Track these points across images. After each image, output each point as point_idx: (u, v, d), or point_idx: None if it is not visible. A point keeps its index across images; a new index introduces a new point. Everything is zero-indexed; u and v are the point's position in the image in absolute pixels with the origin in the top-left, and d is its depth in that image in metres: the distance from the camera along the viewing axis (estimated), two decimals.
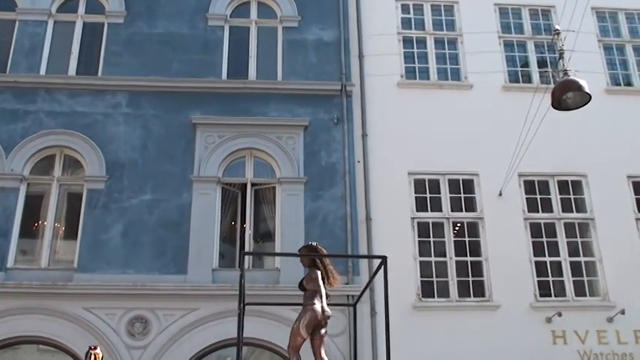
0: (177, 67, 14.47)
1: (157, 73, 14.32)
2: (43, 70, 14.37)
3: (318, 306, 7.17)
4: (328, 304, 7.38)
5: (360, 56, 14.82)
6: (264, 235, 13.70)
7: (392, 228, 13.20)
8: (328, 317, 7.26)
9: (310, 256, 7.50)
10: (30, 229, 13.27)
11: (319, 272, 7.34)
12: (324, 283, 7.38)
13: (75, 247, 12.98)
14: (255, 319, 11.20)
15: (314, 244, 7.67)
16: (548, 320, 12.77)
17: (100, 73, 14.41)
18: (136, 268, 12.70)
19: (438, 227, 13.52)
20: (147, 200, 13.27)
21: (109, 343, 12.08)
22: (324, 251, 7.63)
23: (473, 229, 13.57)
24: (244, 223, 13.47)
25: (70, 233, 13.27)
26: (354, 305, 9.06)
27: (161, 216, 13.17)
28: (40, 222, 13.32)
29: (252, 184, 13.73)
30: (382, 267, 7.18)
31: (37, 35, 14.59)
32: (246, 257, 13.31)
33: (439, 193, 13.76)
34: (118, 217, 13.11)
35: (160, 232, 13.02)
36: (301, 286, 7.42)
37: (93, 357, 8.68)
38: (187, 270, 12.70)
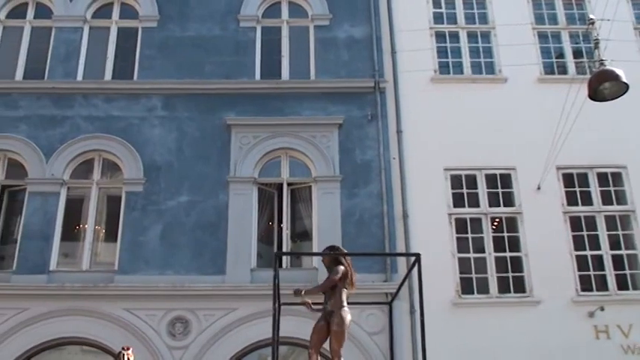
0: (211, 69, 14.57)
1: (190, 76, 14.45)
2: (79, 76, 14.59)
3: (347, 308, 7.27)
4: (364, 303, 7.45)
5: (393, 52, 14.76)
6: (301, 234, 13.71)
7: (429, 225, 13.12)
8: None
9: (340, 254, 7.47)
10: (71, 232, 13.48)
11: (343, 267, 7.33)
12: (351, 283, 7.41)
13: (115, 249, 13.16)
14: (294, 319, 11.19)
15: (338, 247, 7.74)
16: (591, 315, 12.57)
17: (135, 77, 14.59)
18: (175, 269, 12.82)
19: (476, 223, 13.39)
20: (184, 202, 13.38)
21: (151, 344, 12.22)
22: (343, 250, 7.69)
23: (512, 224, 13.41)
24: (281, 222, 13.52)
25: (110, 235, 13.46)
26: (390, 303, 8.98)
27: (198, 217, 13.27)
28: (80, 225, 13.52)
29: (288, 184, 13.77)
30: (416, 265, 7.15)
31: (73, 41, 14.81)
32: (282, 257, 13.42)
33: (476, 188, 13.65)
34: (156, 218, 13.24)
35: (198, 233, 13.12)
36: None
37: (125, 357, 8.76)
38: (226, 270, 12.78)
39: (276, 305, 7.06)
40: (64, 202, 13.51)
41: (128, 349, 8.90)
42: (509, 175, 13.75)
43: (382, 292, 12.52)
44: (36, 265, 12.79)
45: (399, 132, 13.98)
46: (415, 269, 7.23)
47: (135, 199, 13.37)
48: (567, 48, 15.15)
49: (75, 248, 13.39)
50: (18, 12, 15.31)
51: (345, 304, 7.26)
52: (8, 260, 13.19)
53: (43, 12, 15.24)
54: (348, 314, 7.21)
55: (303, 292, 7.20)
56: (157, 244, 13.01)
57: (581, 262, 13.09)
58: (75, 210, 13.63)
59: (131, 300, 12.49)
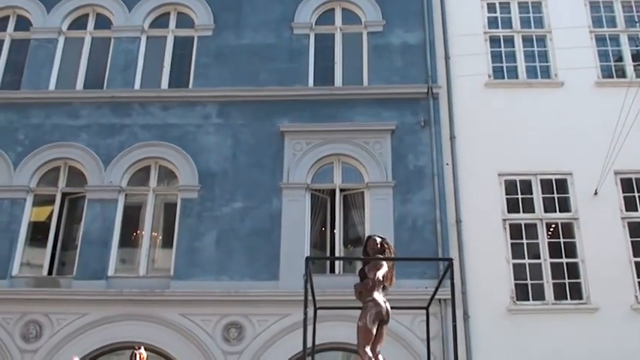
0: (265, 76, 14.72)
1: (245, 83, 14.63)
2: (137, 85, 14.92)
3: (381, 301, 7.01)
4: (401, 307, 7.30)
5: (446, 57, 14.68)
6: (354, 240, 13.73)
7: (483, 230, 13.01)
8: (389, 314, 7.07)
9: (378, 259, 7.22)
10: (129, 238, 13.78)
11: (385, 265, 7.15)
12: (390, 279, 7.24)
13: (171, 255, 13.40)
14: (347, 324, 11.19)
15: (384, 239, 7.47)
16: None
17: (190, 86, 14.84)
18: (230, 275, 12.97)
19: (531, 229, 13.21)
20: (238, 208, 13.55)
21: (206, 349, 12.40)
22: (392, 247, 7.50)
23: (568, 229, 13.18)
24: (334, 228, 13.56)
25: (167, 242, 13.73)
26: (427, 308, 8.71)
27: (252, 223, 13.42)
28: (137, 231, 13.81)
29: (341, 190, 13.81)
30: (449, 270, 7.05)
31: (131, 51, 15.17)
32: (335, 262, 13.47)
33: (531, 193, 13.45)
34: (211, 225, 13.43)
35: (252, 240, 13.25)
36: (361, 274, 7.29)
37: (138, 357, 8.90)
38: (279, 276, 12.88)
39: (311, 310, 7.01)
40: (122, 208, 13.82)
41: (140, 348, 9.07)
42: (565, 180, 13.53)
43: (435, 298, 12.37)
44: (95, 271, 13.13)
45: (452, 137, 13.89)
46: (449, 274, 7.09)
47: (190, 206, 13.59)
48: (626, 51, 14.84)
49: (132, 254, 13.69)
50: (79, 23, 15.76)
51: (374, 296, 6.99)
52: (69, 266, 13.56)
53: (102, 23, 15.65)
54: (373, 308, 6.94)
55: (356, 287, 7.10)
56: (211, 250, 13.19)
57: None
58: (132, 217, 13.94)
59: (187, 305, 12.70)
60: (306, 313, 6.88)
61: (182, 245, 13.31)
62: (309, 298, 7.28)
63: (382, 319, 7.03)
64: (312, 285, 7.62)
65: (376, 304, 6.97)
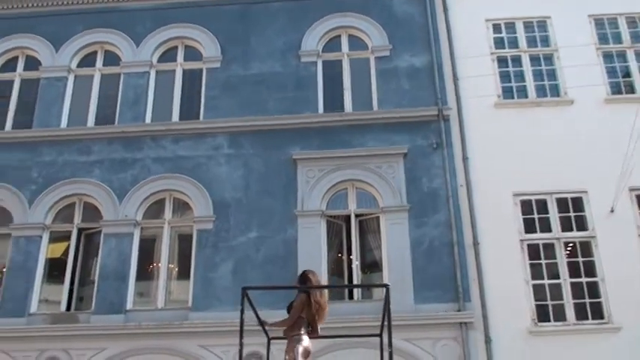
0: (274, 105, 14.78)
1: (254, 113, 14.69)
2: (148, 119, 14.99)
3: (305, 336, 7.44)
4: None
5: (455, 79, 14.73)
6: (371, 265, 13.66)
7: (501, 251, 12.93)
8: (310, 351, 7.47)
9: (305, 287, 7.63)
10: (145, 271, 13.77)
11: (304, 296, 7.50)
12: (314, 312, 7.54)
13: (188, 287, 13.38)
14: (367, 351, 11.12)
15: (306, 271, 7.93)
16: None
17: (201, 117, 14.90)
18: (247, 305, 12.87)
19: (549, 248, 13.14)
20: (253, 237, 13.54)
21: None
22: (316, 278, 7.86)
23: (586, 248, 13.10)
24: (350, 254, 13.53)
25: (183, 273, 13.71)
26: (380, 335, 8.45)
27: (268, 252, 13.40)
28: (154, 264, 13.81)
29: (356, 215, 13.78)
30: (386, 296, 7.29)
31: (141, 86, 15.28)
32: (353, 290, 13.42)
33: (547, 213, 13.40)
34: (226, 255, 13.43)
35: (268, 268, 13.20)
36: (288, 309, 7.68)
37: None
38: None
39: (242, 341, 7.32)
40: (138, 242, 13.83)
41: None
42: (580, 199, 13.46)
43: (456, 321, 12.39)
44: (113, 305, 13.12)
45: (465, 159, 13.88)
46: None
47: (206, 237, 13.59)
48: (634, 67, 14.86)
49: (149, 287, 13.68)
50: (88, 60, 15.90)
51: (301, 332, 7.44)
52: (87, 301, 13.57)
53: (111, 59, 15.78)
54: (300, 342, 7.37)
55: (268, 324, 7.72)
56: (228, 281, 13.14)
57: None
58: (148, 249, 13.95)
59: (206, 337, 12.64)
60: (241, 344, 7.30)
61: (199, 276, 13.29)
62: (254, 328, 7.88)
63: (307, 355, 7.44)
64: (258, 314, 7.92)
65: (301, 339, 7.43)
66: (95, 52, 15.94)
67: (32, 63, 15.89)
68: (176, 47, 15.86)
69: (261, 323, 7.91)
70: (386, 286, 7.38)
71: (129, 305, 13.22)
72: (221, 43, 15.55)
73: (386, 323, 7.29)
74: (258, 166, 14.24)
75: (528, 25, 15.43)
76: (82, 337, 12.80)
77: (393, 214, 13.50)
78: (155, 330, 12.76)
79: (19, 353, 12.75)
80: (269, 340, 8.43)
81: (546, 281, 12.86)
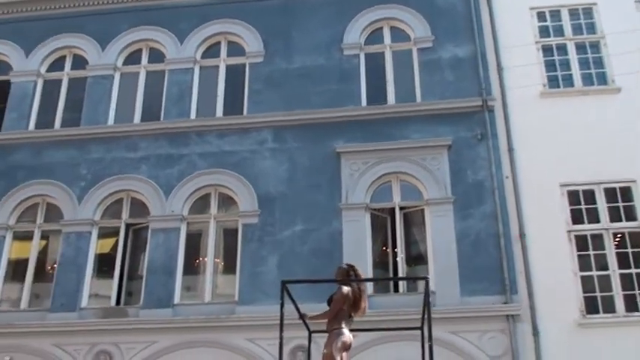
0: (317, 98, 14.81)
1: (298, 107, 14.73)
2: (193, 115, 15.15)
3: (346, 330, 7.39)
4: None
5: (499, 69, 14.54)
6: (417, 257, 13.64)
7: (548, 243, 12.76)
8: (351, 344, 7.47)
9: (344, 280, 7.61)
10: (192, 265, 13.96)
11: (346, 290, 7.47)
12: (354, 305, 7.51)
13: (234, 281, 13.51)
14: (412, 344, 11.10)
15: (346, 265, 7.90)
16: None
17: (244, 112, 15.01)
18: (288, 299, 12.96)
19: (597, 239, 12.92)
20: (298, 231, 13.60)
21: None
22: (359, 272, 7.80)
23: (635, 238, 12.83)
24: (395, 247, 13.50)
25: (229, 268, 13.84)
26: (421, 328, 8.46)
27: (313, 246, 13.45)
28: (200, 259, 13.98)
29: (401, 208, 13.74)
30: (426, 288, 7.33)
31: (185, 82, 15.44)
32: (399, 283, 13.41)
33: (595, 203, 13.18)
34: (272, 249, 13.52)
35: (313, 262, 13.23)
36: (329, 302, 7.67)
37: None
38: None
39: (282, 334, 7.38)
40: (185, 236, 14.01)
41: None
42: (629, 188, 13.21)
43: (503, 314, 12.29)
44: (161, 300, 13.33)
45: (510, 150, 13.71)
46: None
47: (251, 231, 13.71)
48: None
49: (196, 281, 13.87)
50: (133, 58, 16.15)
51: (342, 326, 7.41)
52: (136, 296, 13.84)
53: (156, 56, 16.00)
54: (340, 337, 7.32)
55: (308, 318, 7.79)
56: (274, 274, 13.21)
57: None
58: (194, 244, 14.13)
59: (252, 330, 12.76)
60: (281, 337, 7.34)
61: (245, 270, 13.42)
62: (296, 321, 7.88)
63: (347, 349, 7.41)
64: (298, 308, 8.01)
65: (342, 332, 7.38)
66: (140, 50, 16.17)
67: (79, 62, 16.20)
68: (219, 43, 15.98)
69: (302, 316, 7.94)
70: (425, 278, 7.35)
71: (176, 299, 13.42)
72: (263, 37, 15.62)
73: (426, 316, 7.28)
74: (302, 159, 14.29)
75: (574, 13, 15.15)
76: (131, 331, 13.05)
77: (437, 206, 13.43)
78: (202, 324, 12.94)
79: (71, 347, 13.09)
80: (310, 333, 8.47)
81: (595, 272, 12.66)
